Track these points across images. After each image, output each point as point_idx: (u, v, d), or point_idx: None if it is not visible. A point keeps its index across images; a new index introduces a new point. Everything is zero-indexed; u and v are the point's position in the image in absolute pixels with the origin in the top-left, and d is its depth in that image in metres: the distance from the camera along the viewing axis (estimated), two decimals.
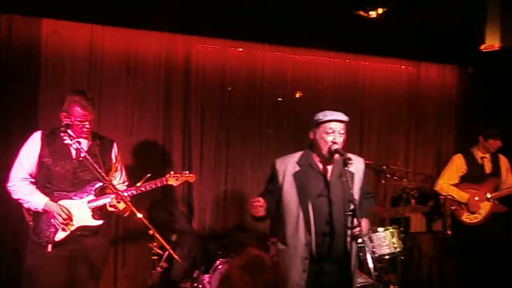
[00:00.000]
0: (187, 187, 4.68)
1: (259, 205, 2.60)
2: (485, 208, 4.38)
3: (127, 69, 4.50)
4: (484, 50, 3.60)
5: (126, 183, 3.34)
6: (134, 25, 4.41)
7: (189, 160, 4.76)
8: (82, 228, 3.01)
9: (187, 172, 3.39)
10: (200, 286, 4.06)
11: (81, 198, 3.03)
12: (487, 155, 4.48)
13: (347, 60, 5.26)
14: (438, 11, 4.28)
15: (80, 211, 3.00)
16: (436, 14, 4.31)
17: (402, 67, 5.55)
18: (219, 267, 4.06)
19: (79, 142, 2.93)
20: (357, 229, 2.34)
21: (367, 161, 5.16)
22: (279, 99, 5.07)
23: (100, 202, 3.04)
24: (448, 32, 4.77)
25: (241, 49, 4.90)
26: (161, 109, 4.65)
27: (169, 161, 4.67)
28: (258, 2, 4.27)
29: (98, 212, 3.07)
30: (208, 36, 4.73)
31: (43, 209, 2.92)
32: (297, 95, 5.13)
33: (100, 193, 3.08)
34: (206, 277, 4.07)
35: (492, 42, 3.41)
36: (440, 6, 4.17)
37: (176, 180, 3.27)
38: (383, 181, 5.13)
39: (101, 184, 3.02)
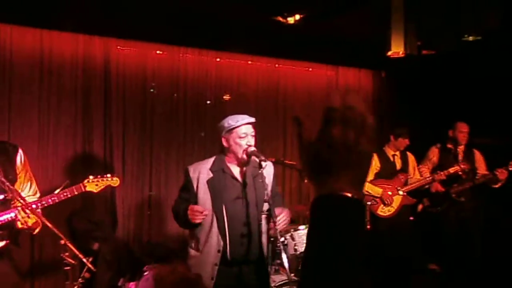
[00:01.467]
0: (110, 193, 4.55)
1: (200, 211, 2.61)
2: (396, 201, 4.72)
3: (41, 71, 4.28)
4: (391, 57, 3.87)
5: (38, 195, 2.90)
6: (46, 26, 4.21)
7: (111, 166, 4.62)
8: None
9: (108, 175, 3.03)
10: None
11: None
12: (397, 153, 4.83)
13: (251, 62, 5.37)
14: (351, 19, 4.54)
15: None
16: (350, 21, 4.56)
17: (322, 71, 5.82)
18: (145, 274, 3.99)
19: None
20: (274, 227, 2.42)
21: (290, 162, 5.40)
22: (208, 102, 5.10)
23: (1, 219, 2.59)
24: (362, 38, 5.07)
25: (161, 52, 4.85)
26: (79, 113, 4.47)
27: (89, 168, 4.48)
28: (180, 5, 4.26)
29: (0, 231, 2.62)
30: (128, 38, 4.64)
31: None
32: (226, 98, 5.19)
33: (1, 208, 2.65)
34: (131, 285, 3.97)
35: (397, 49, 3.68)
36: (353, 14, 4.42)
37: (96, 185, 2.92)
38: (305, 181, 5.34)
39: (1, 197, 2.60)
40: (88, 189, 2.91)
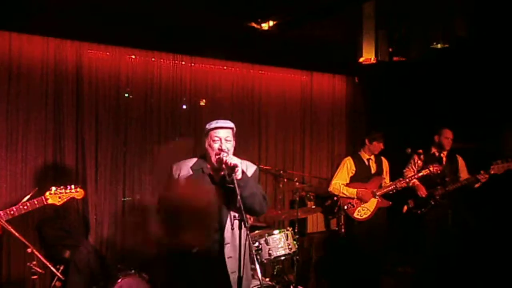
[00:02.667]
0: (82, 199, 4.46)
1: None
2: (372, 204, 4.78)
3: (9, 75, 4.20)
4: (363, 63, 3.95)
5: None
6: (15, 29, 4.14)
7: (83, 172, 4.55)
8: None
9: (72, 186, 2.98)
10: None
11: None
12: (372, 157, 4.90)
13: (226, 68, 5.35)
14: (325, 25, 4.60)
15: None
16: (324, 27, 4.62)
17: (296, 76, 5.87)
18: (119, 281, 3.94)
19: None
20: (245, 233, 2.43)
21: (265, 167, 5.42)
22: (184, 106, 5.09)
23: None
24: (336, 44, 5.15)
25: (135, 57, 4.82)
26: (50, 118, 4.39)
27: (60, 174, 4.41)
28: (154, 9, 4.24)
29: None
30: (101, 42, 4.59)
31: None
32: (202, 103, 5.19)
33: None
34: None
35: (368, 56, 3.77)
36: (327, 21, 4.48)
37: (59, 198, 2.88)
38: (281, 185, 5.38)
39: None
40: (50, 201, 2.84)
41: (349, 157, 4.95)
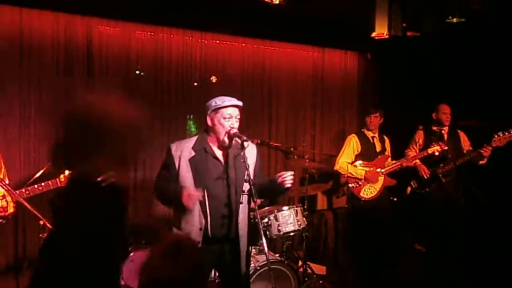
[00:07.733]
0: None
1: (197, 196, 2.58)
2: (379, 183, 4.75)
3: (20, 51, 4.20)
4: (376, 38, 3.87)
5: (7, 182, 2.90)
6: (25, 4, 4.11)
7: None
8: None
9: None
10: None
11: None
12: (376, 135, 4.85)
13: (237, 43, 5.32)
14: (336, 0, 4.50)
15: None
16: (336, 2, 4.52)
17: (307, 52, 5.78)
18: (131, 255, 4.02)
19: None
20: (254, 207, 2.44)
21: (275, 144, 5.41)
22: (195, 84, 5.06)
23: None
24: (348, 19, 5.04)
25: (145, 32, 4.79)
26: (61, 94, 4.41)
27: None
28: None
29: None
30: (111, 18, 4.55)
31: None
32: (213, 80, 5.16)
33: None
34: None
35: (381, 31, 3.68)
36: None
37: None
38: (291, 162, 5.37)
39: None
40: (64, 184, 2.96)
41: (353, 135, 4.88)
